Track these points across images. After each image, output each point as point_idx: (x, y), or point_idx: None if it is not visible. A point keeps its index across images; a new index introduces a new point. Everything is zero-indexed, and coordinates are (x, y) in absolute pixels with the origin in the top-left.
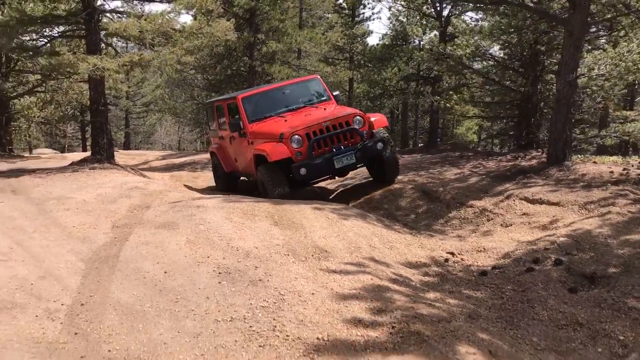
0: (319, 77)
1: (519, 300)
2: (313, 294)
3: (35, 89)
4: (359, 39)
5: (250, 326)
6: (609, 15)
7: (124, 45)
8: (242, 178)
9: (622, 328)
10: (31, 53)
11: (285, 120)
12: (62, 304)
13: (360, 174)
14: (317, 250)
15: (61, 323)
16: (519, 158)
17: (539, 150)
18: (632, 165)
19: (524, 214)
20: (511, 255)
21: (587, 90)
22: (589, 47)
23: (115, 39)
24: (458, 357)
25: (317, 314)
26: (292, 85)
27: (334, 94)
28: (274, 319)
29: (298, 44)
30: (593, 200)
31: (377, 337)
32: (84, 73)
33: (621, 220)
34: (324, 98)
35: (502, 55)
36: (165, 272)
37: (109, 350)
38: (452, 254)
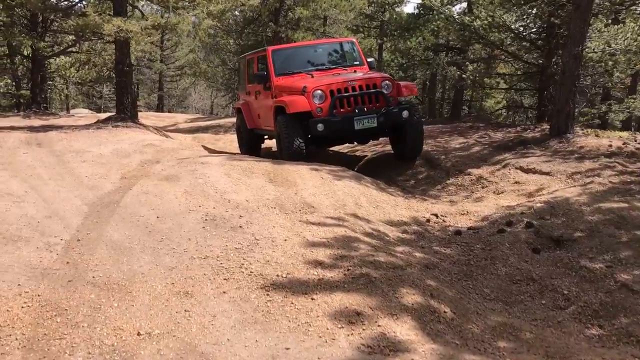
0: (355, 40)
1: (484, 257)
2: (285, 240)
3: (69, 49)
4: (388, 7)
5: (221, 263)
6: None
7: (152, 8)
8: (265, 138)
9: (568, 284)
10: (61, 14)
11: (312, 77)
12: (62, 239)
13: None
14: (304, 206)
15: (57, 254)
16: (528, 130)
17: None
18: (635, 140)
19: (515, 182)
20: (489, 218)
21: (601, 64)
22: (608, 21)
23: (142, 1)
24: (397, 295)
25: (283, 257)
26: (325, 44)
27: (368, 60)
28: (244, 259)
29: (323, 10)
30: (581, 170)
31: (331, 277)
32: (108, 34)
33: (600, 189)
34: (357, 62)
35: (517, 27)
36: (157, 217)
37: (93, 277)
38: (436, 215)
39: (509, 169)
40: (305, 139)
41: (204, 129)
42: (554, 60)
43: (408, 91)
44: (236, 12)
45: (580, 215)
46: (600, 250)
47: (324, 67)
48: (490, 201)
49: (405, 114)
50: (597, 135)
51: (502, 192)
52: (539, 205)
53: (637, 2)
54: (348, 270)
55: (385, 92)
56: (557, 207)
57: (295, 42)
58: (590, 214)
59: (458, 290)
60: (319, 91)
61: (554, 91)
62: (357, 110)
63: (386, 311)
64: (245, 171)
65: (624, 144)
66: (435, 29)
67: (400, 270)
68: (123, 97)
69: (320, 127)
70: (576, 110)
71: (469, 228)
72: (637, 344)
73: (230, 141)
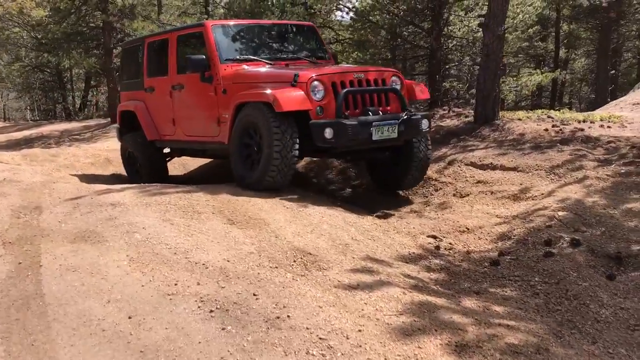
0: (314, 25)
1: (562, 296)
2: (360, 331)
3: None
4: None
5: None
6: None
7: None
8: (169, 155)
9: None
10: None
11: (287, 66)
12: None
13: None
14: (300, 254)
15: None
16: (445, 118)
17: (445, 108)
18: (557, 121)
19: (478, 181)
20: (510, 236)
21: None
22: None
23: None
24: None
25: None
26: (281, 26)
27: (332, 52)
28: None
29: None
30: (557, 164)
31: None
32: None
33: (605, 185)
34: (321, 54)
35: (404, 7)
36: (129, 318)
37: None
38: (435, 237)
39: (459, 166)
40: (302, 150)
41: (28, 142)
42: (442, 41)
43: (422, 94)
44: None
45: (619, 223)
46: None
47: (284, 57)
48: (463, 207)
49: (424, 124)
50: (519, 119)
51: (468, 195)
52: (561, 214)
53: None
54: None
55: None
56: (585, 215)
57: (134, 33)
58: (626, 219)
59: None
60: (318, 82)
61: (445, 75)
62: (370, 113)
63: None
64: (186, 212)
65: (553, 126)
66: (287, 11)
67: (545, 352)
68: None
69: (329, 133)
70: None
71: (501, 253)
72: None
73: (72, 156)
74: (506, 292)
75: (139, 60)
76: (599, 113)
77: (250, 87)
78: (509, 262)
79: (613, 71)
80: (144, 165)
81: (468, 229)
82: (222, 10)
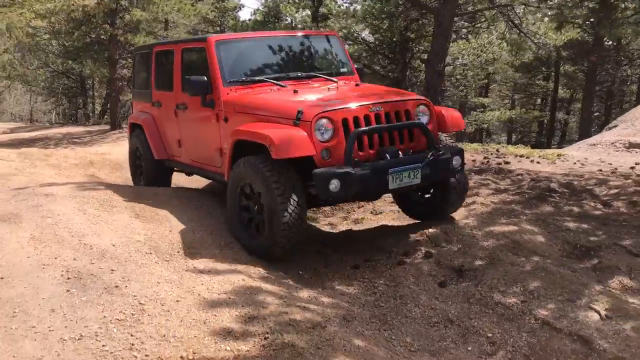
0: (337, 35)
1: (392, 296)
2: (178, 301)
3: None
4: (230, 13)
5: (103, 345)
6: (472, 8)
7: None
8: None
9: (489, 325)
10: None
11: (295, 92)
12: None
13: None
14: (183, 247)
15: None
16: None
17: None
18: (492, 154)
19: (393, 201)
20: (383, 247)
21: (452, 78)
22: (454, 36)
23: None
24: None
25: (181, 326)
26: (298, 37)
27: (356, 66)
28: (132, 335)
29: (165, 13)
30: None
31: (248, 351)
32: None
33: (485, 211)
34: (345, 70)
35: (372, 40)
36: (1, 278)
37: None
38: (325, 245)
39: None
40: (307, 202)
41: (29, 142)
42: (407, 73)
43: (454, 125)
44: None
45: (475, 241)
46: (508, 282)
47: (299, 75)
48: (371, 223)
49: (456, 162)
50: (466, 150)
51: (381, 213)
52: (431, 230)
53: (478, 21)
54: (266, 338)
55: (424, 122)
56: (450, 233)
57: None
58: (484, 239)
59: (384, 345)
60: (325, 120)
61: None
62: (388, 156)
63: None
64: (103, 205)
65: (485, 158)
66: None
67: (322, 329)
68: None
69: (334, 186)
70: None
71: (366, 260)
72: None
73: (63, 157)
74: (349, 289)
75: (148, 69)
76: (546, 151)
77: (250, 119)
78: (368, 267)
79: (597, 113)
80: (149, 176)
81: (358, 241)
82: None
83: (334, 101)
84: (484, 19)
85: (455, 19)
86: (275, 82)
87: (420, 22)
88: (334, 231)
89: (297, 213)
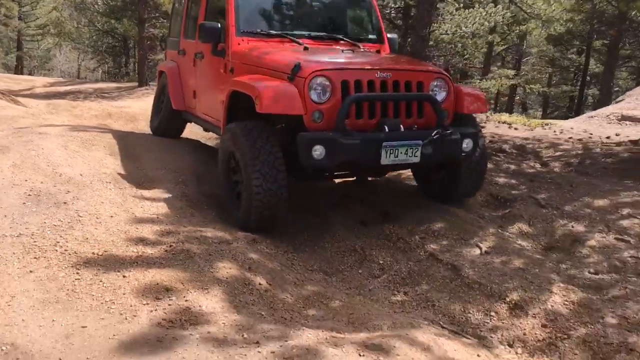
0: None
1: (318, 233)
2: (112, 216)
3: None
4: None
5: (34, 241)
6: None
7: None
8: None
9: (385, 255)
10: None
11: (306, 49)
12: None
13: None
14: (143, 180)
15: None
16: None
17: None
18: (488, 121)
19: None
20: (328, 194)
21: (453, 46)
22: (460, 4)
23: None
24: (213, 270)
25: (105, 234)
26: None
27: (389, 36)
28: (60, 236)
29: None
30: None
31: (151, 254)
32: None
33: None
34: (373, 37)
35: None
36: None
37: None
38: None
39: None
40: (289, 171)
41: (62, 95)
42: (408, 40)
43: (474, 106)
44: None
45: (411, 190)
46: (418, 223)
47: (321, 35)
48: None
49: (467, 144)
50: None
51: None
52: (370, 179)
53: None
54: (171, 246)
55: (437, 97)
56: (390, 184)
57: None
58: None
59: (281, 263)
60: (322, 78)
61: None
62: (387, 128)
63: (197, 285)
64: (84, 143)
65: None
66: None
67: (226, 244)
68: None
69: (318, 152)
70: None
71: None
72: (432, 308)
73: (87, 108)
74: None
75: (180, 17)
76: (534, 120)
77: (252, 71)
78: (309, 211)
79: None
80: (164, 123)
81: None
82: None
83: (338, 62)
84: None
85: None
86: (293, 38)
87: None
88: None
89: (274, 189)
